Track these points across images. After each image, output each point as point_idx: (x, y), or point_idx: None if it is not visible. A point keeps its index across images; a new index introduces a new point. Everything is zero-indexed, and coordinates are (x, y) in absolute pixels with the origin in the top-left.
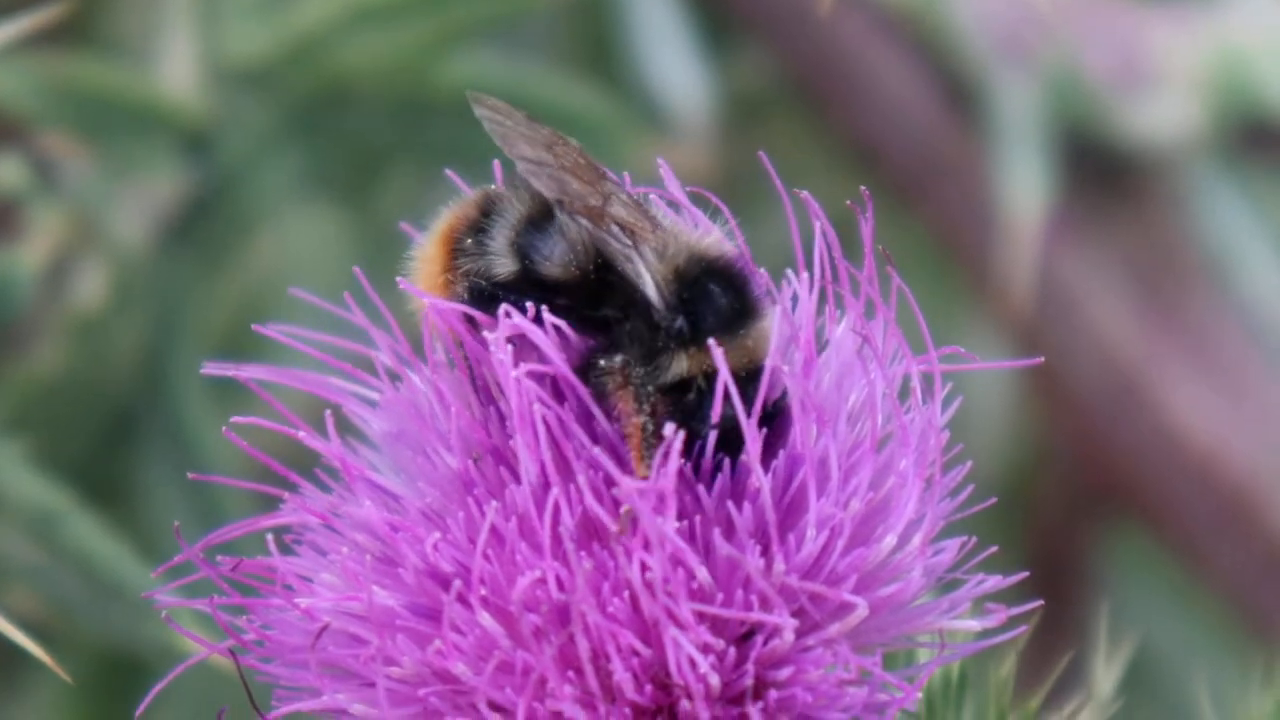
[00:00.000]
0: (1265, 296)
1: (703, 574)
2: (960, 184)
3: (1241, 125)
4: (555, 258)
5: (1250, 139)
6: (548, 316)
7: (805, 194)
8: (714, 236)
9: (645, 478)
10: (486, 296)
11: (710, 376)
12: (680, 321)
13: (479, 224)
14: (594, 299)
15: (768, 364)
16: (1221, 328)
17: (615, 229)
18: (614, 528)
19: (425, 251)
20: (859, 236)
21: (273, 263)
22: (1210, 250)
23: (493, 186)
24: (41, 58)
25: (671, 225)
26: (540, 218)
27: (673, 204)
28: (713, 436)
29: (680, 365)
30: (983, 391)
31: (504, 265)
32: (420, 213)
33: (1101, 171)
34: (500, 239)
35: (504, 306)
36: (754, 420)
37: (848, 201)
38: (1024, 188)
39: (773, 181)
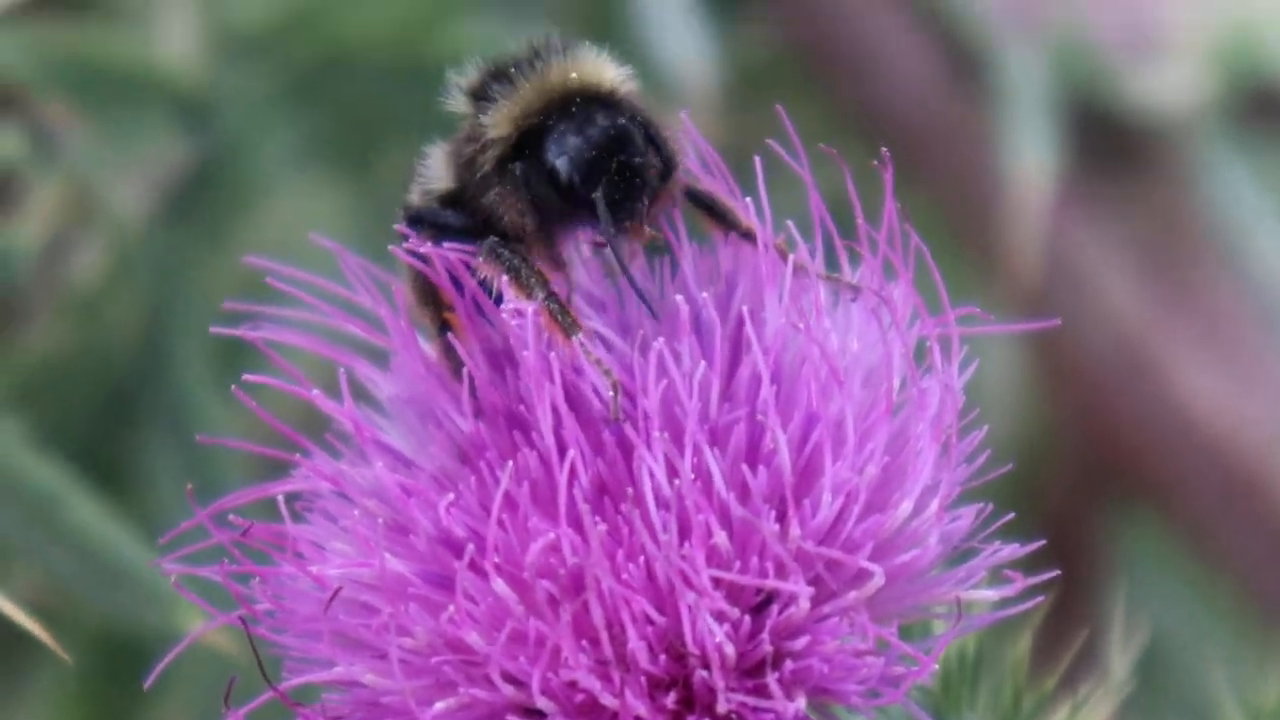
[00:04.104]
0: (1274, 270)
1: (720, 537)
2: (966, 155)
3: (1250, 94)
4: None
5: (1258, 108)
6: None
7: (827, 149)
8: None
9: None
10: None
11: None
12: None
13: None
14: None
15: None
16: (1231, 303)
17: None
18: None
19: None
20: (869, 207)
21: (273, 234)
22: (1219, 222)
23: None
24: (39, 26)
25: None
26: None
27: None
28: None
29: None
30: (990, 371)
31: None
32: None
33: (1109, 141)
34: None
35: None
36: None
37: (873, 162)
38: (1031, 159)
39: (777, 154)
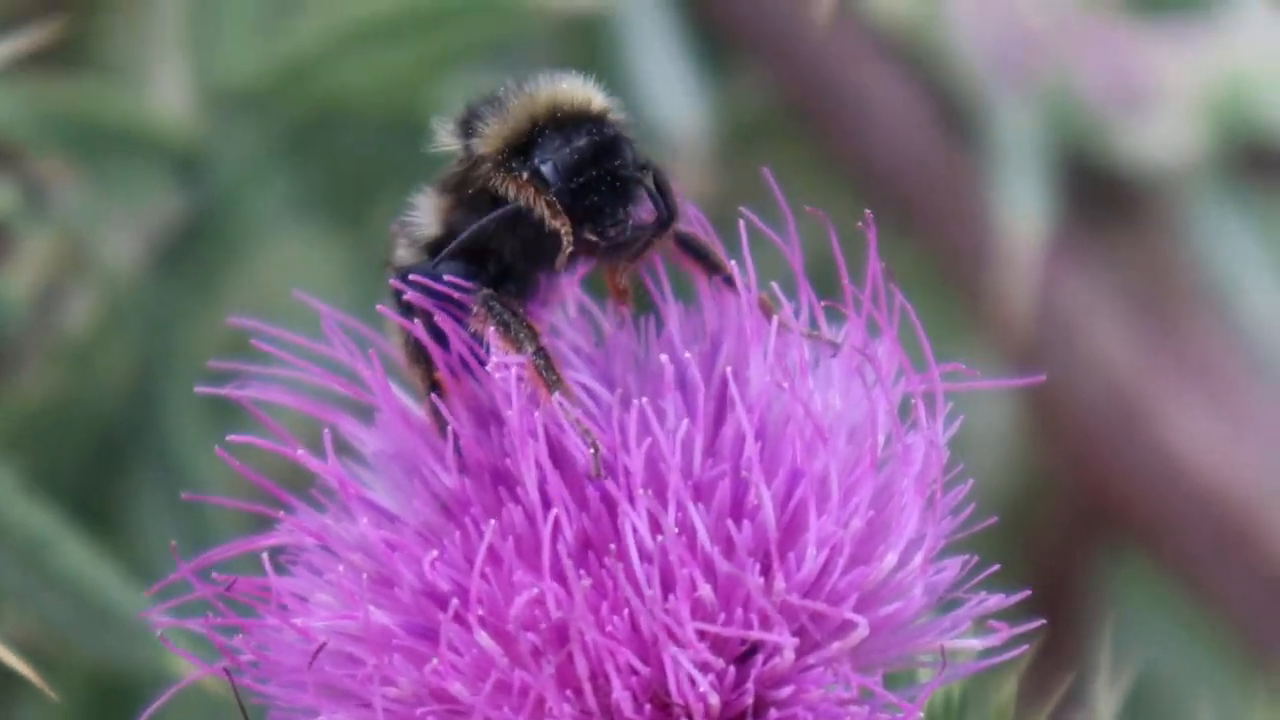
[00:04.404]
0: (1265, 321)
1: (705, 590)
2: (957, 208)
3: (1241, 148)
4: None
5: (1250, 162)
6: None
7: (814, 209)
8: None
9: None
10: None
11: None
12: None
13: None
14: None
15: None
16: (1222, 352)
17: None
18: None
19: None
20: (857, 261)
21: (265, 288)
22: (1210, 274)
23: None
24: (32, 81)
25: None
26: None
27: None
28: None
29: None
30: (981, 418)
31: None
32: None
33: (1100, 194)
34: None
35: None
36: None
37: (858, 224)
38: (1022, 211)
39: (769, 206)
